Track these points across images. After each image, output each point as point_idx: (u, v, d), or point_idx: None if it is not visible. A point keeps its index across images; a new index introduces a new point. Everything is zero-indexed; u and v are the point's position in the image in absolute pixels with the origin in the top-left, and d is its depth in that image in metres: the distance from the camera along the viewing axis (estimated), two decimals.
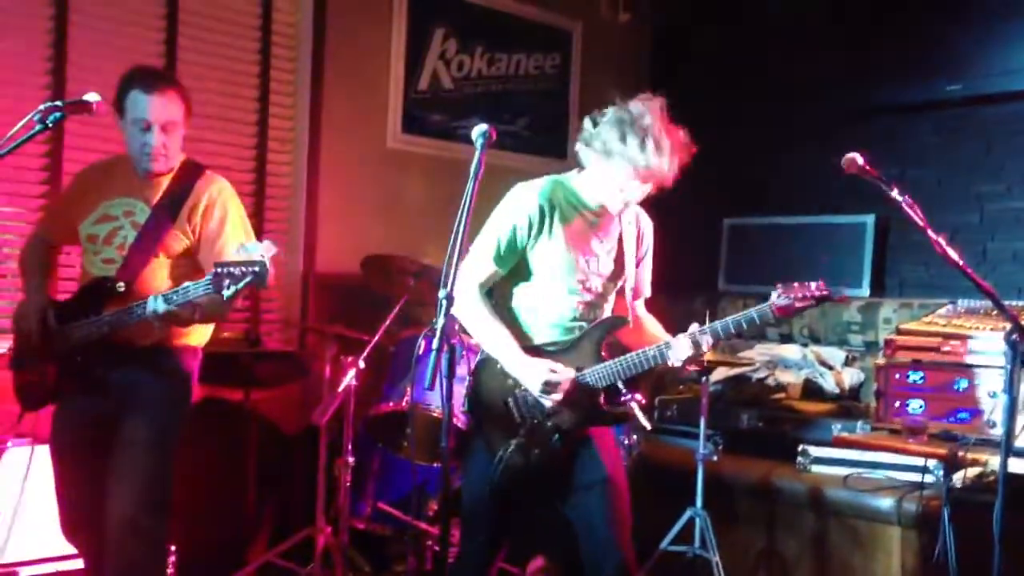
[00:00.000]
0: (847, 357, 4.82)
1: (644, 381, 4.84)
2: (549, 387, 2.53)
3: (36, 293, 2.85)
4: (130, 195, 2.80)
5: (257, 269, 2.43)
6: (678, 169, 2.60)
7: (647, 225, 2.83)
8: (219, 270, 2.44)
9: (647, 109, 2.56)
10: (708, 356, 3.85)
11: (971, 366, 3.89)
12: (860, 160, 2.61)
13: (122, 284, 2.69)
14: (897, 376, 4.08)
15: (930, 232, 2.57)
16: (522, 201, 2.63)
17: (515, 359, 2.57)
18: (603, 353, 2.61)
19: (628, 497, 2.63)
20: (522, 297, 2.67)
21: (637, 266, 2.79)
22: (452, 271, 2.20)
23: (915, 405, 4.03)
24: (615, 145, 2.54)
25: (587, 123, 2.62)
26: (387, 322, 3.63)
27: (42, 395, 2.79)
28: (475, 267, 2.64)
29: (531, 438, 2.56)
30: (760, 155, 5.41)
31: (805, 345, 4.97)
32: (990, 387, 3.82)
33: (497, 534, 2.71)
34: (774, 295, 2.53)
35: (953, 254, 2.59)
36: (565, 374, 2.54)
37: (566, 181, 2.71)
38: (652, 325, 2.82)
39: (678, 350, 2.53)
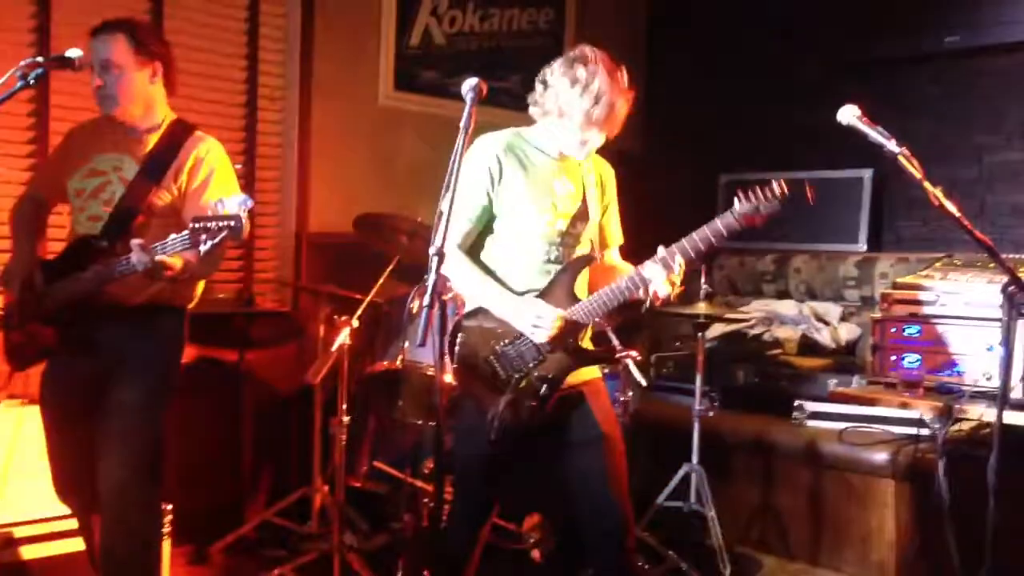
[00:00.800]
0: (843, 312, 4.82)
1: (639, 336, 4.85)
2: (540, 322, 2.50)
3: (23, 253, 2.83)
4: (119, 151, 2.77)
5: (232, 223, 2.41)
6: (627, 110, 2.60)
7: (607, 173, 2.80)
8: (195, 225, 2.43)
9: (592, 62, 2.55)
10: (704, 310, 3.85)
11: (968, 319, 3.88)
12: (856, 112, 2.57)
13: (105, 241, 2.65)
14: (893, 330, 4.07)
15: (927, 184, 2.53)
16: (481, 153, 2.63)
17: (506, 302, 2.56)
18: (576, 293, 2.58)
19: (624, 453, 2.62)
20: (493, 249, 2.66)
21: (603, 215, 2.76)
22: (443, 227, 2.18)
23: (911, 359, 4.02)
24: (568, 106, 2.55)
25: (537, 86, 2.64)
26: (381, 281, 3.61)
27: (30, 355, 2.77)
28: (450, 228, 2.64)
29: (519, 393, 2.54)
30: (757, 109, 5.36)
31: (801, 301, 4.96)
32: (986, 341, 3.81)
33: (489, 494, 2.71)
34: (737, 203, 2.49)
35: (950, 206, 2.56)
36: (553, 311, 2.52)
37: (526, 131, 2.71)
38: (628, 268, 2.75)
39: (650, 274, 2.49)
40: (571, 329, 2.55)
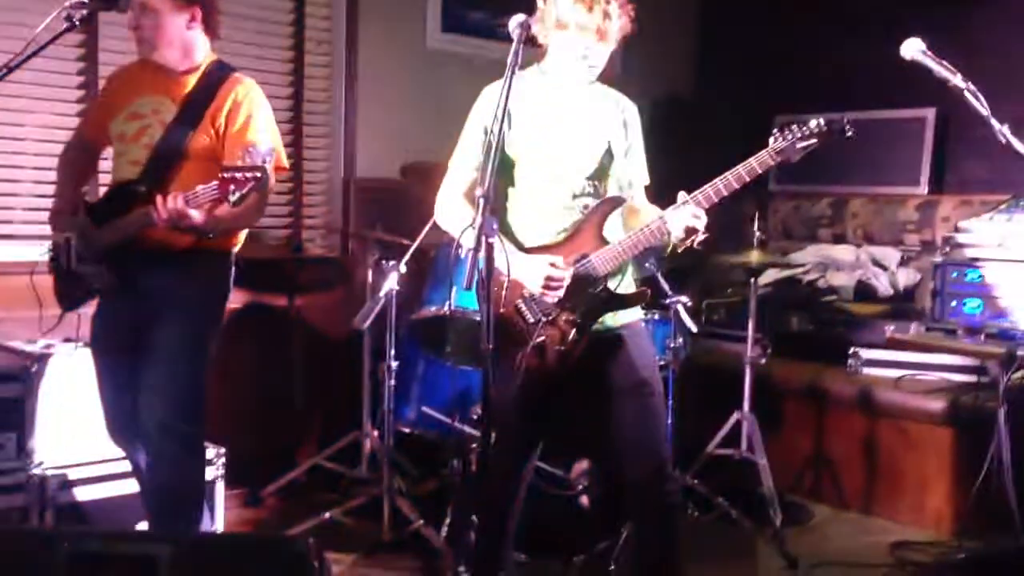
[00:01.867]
0: (902, 257, 4.70)
1: (690, 282, 4.78)
2: (550, 282, 2.46)
3: (66, 196, 2.86)
4: (159, 93, 2.75)
5: (259, 175, 2.41)
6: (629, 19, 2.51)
7: (630, 110, 2.69)
8: (224, 175, 2.42)
9: None
10: (757, 258, 3.77)
11: None
12: (921, 45, 2.46)
13: (144, 186, 2.65)
14: (954, 275, 3.96)
15: (993, 121, 2.43)
16: (485, 98, 2.59)
17: (512, 258, 2.49)
18: (604, 236, 2.52)
19: (661, 397, 2.59)
20: (515, 200, 2.61)
21: (626, 155, 2.67)
22: (489, 171, 2.14)
23: (972, 304, 3.91)
24: (566, 14, 2.48)
25: (538, 1, 2.56)
26: (428, 226, 3.57)
27: (79, 296, 2.80)
28: (452, 176, 2.63)
29: (547, 337, 2.50)
30: (812, 46, 5.19)
31: (859, 245, 4.84)
32: None
33: (526, 439, 2.67)
34: (772, 139, 2.40)
35: (1017, 144, 2.45)
36: (564, 268, 2.47)
37: (532, 70, 2.64)
38: (651, 212, 2.64)
39: (678, 216, 2.42)
40: (591, 279, 2.50)
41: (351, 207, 4.49)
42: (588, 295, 2.50)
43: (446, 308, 3.29)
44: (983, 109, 2.45)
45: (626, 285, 2.61)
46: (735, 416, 3.80)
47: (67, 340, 3.18)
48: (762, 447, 3.73)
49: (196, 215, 2.47)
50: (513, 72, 2.22)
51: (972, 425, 3.58)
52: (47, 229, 2.88)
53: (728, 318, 4.58)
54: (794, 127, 2.39)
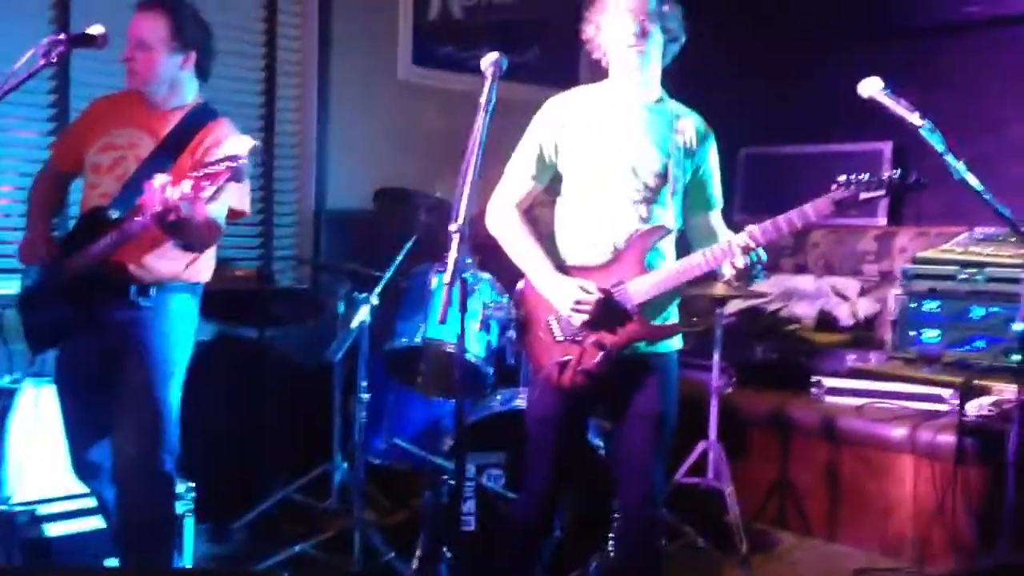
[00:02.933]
0: (862, 287, 4.80)
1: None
2: (579, 306, 2.46)
3: (36, 230, 2.83)
4: (138, 127, 2.76)
5: (232, 164, 2.35)
6: None
7: (701, 129, 2.65)
8: (196, 172, 2.38)
9: None
10: (722, 288, 3.84)
11: (988, 294, 3.86)
12: (879, 84, 2.55)
13: (116, 212, 2.64)
14: (913, 305, 4.05)
15: (949, 158, 2.51)
16: (545, 111, 2.60)
17: (544, 277, 2.51)
18: (645, 265, 2.50)
19: (672, 433, 2.62)
20: (565, 214, 2.61)
21: (694, 174, 2.62)
22: (463, 205, 2.17)
23: (930, 334, 4.01)
24: (596, 8, 2.56)
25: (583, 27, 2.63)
26: (400, 257, 3.61)
27: (49, 336, 2.78)
28: (507, 185, 2.63)
29: (575, 358, 2.51)
30: (776, 82, 5.31)
31: (820, 276, 4.94)
32: (1007, 315, 3.79)
33: (559, 461, 2.66)
34: (834, 188, 2.39)
35: (972, 180, 2.54)
36: (595, 293, 2.46)
37: (595, 85, 2.65)
38: (729, 235, 2.56)
39: (727, 253, 2.41)
40: (623, 308, 2.49)
41: (321, 238, 4.51)
42: (617, 323, 2.49)
43: (419, 339, 3.31)
44: (940, 146, 2.53)
45: (670, 316, 2.60)
46: (701, 445, 3.85)
47: (35, 375, 3.16)
48: (728, 475, 3.78)
49: (184, 205, 2.42)
50: (487, 112, 2.26)
51: (932, 452, 3.66)
52: (15, 263, 2.87)
53: (694, 347, 4.63)
54: (857, 177, 2.39)
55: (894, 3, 4.90)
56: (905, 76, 4.42)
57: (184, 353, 2.81)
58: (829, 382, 4.10)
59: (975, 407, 3.59)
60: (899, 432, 3.75)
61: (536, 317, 2.57)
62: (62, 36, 2.36)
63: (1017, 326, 3.61)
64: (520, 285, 2.66)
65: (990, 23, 4.62)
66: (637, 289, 2.49)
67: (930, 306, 4.00)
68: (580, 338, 2.51)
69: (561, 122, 2.57)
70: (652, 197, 2.55)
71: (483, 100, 2.27)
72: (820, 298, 4.74)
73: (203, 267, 2.84)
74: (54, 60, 2.33)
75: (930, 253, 4.17)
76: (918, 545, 3.71)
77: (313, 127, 4.52)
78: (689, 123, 2.64)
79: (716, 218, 2.69)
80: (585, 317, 2.47)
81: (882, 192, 2.38)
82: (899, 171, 2.38)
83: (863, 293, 4.78)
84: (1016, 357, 3.36)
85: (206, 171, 2.36)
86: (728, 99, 5.46)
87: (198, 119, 2.78)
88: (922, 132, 2.51)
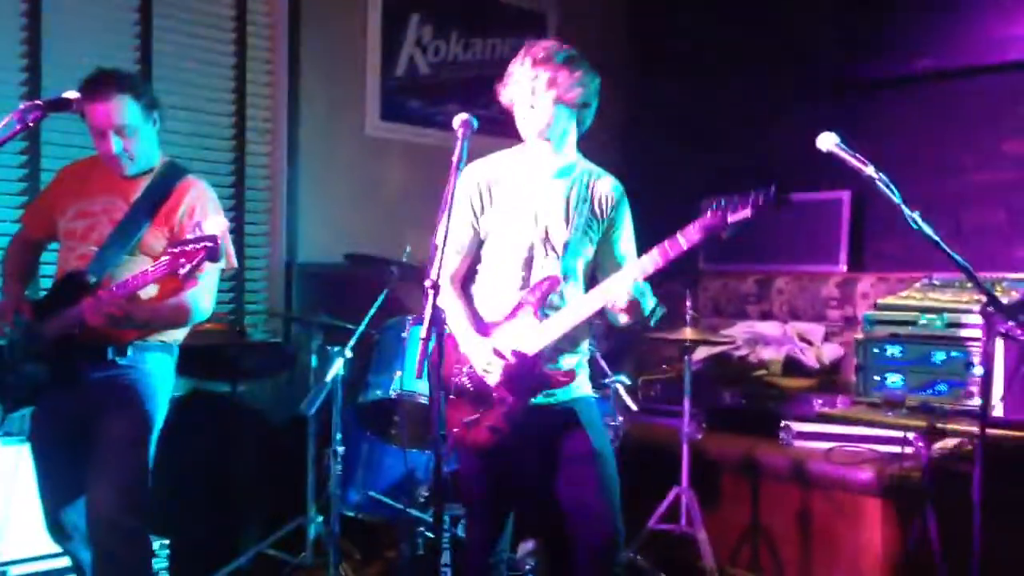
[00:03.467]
0: (826, 332, 4.89)
1: (626, 361, 4.90)
2: (489, 367, 2.56)
3: (11, 294, 2.86)
4: (110, 193, 2.80)
5: (210, 244, 2.43)
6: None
7: (613, 191, 2.72)
8: (173, 249, 2.45)
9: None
10: (690, 336, 3.90)
11: (949, 339, 3.96)
12: (835, 139, 2.63)
13: (93, 277, 2.67)
14: (876, 350, 4.14)
15: (905, 208, 2.60)
16: (463, 182, 2.66)
17: (465, 338, 2.62)
18: (540, 316, 2.58)
19: (615, 470, 2.65)
20: (481, 274, 2.72)
21: (611, 231, 2.71)
22: (439, 260, 2.22)
23: (894, 379, 4.09)
24: (505, 81, 2.68)
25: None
26: (372, 311, 3.64)
27: (23, 396, 2.78)
28: (441, 262, 2.69)
29: (487, 412, 2.57)
30: (734, 133, 5.44)
31: (785, 321, 5.03)
32: (967, 360, 3.89)
33: (491, 515, 2.71)
34: (704, 214, 2.43)
35: (928, 230, 2.63)
36: (504, 353, 2.54)
37: (510, 151, 2.74)
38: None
39: (613, 287, 2.48)
40: (528, 360, 2.56)
41: (293, 291, 4.54)
42: (525, 376, 2.56)
43: (392, 392, 3.34)
44: (895, 197, 2.62)
45: (575, 364, 2.66)
46: (674, 491, 3.89)
47: (6, 434, 3.14)
48: (701, 521, 3.82)
49: (137, 310, 2.49)
50: (458, 171, 2.32)
51: (899, 494, 3.72)
52: None
53: (664, 394, 4.69)
54: (723, 200, 2.41)
55: (847, 57, 5.06)
56: (860, 126, 4.59)
57: (161, 411, 2.83)
58: (797, 426, 4.15)
59: (939, 449, 3.67)
60: (866, 475, 3.81)
61: (448, 374, 2.62)
62: (38, 102, 2.39)
63: (977, 370, 3.71)
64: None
65: (940, 75, 4.78)
66: (532, 339, 2.56)
67: (892, 351, 4.09)
68: (484, 396, 2.58)
69: (478, 190, 2.66)
70: (559, 258, 2.64)
71: (455, 159, 2.33)
72: (786, 344, 4.82)
73: (182, 327, 2.86)
74: (30, 125, 2.36)
75: (890, 299, 4.26)
76: None
77: (283, 182, 4.56)
78: (601, 185, 2.72)
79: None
80: (496, 378, 2.56)
81: (748, 212, 2.37)
82: (763, 190, 2.38)
83: (827, 338, 4.87)
84: (976, 400, 3.45)
85: (184, 249, 2.42)
86: (684, 150, 5.61)
87: (169, 179, 2.83)
88: (878, 184, 2.59)
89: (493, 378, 2.56)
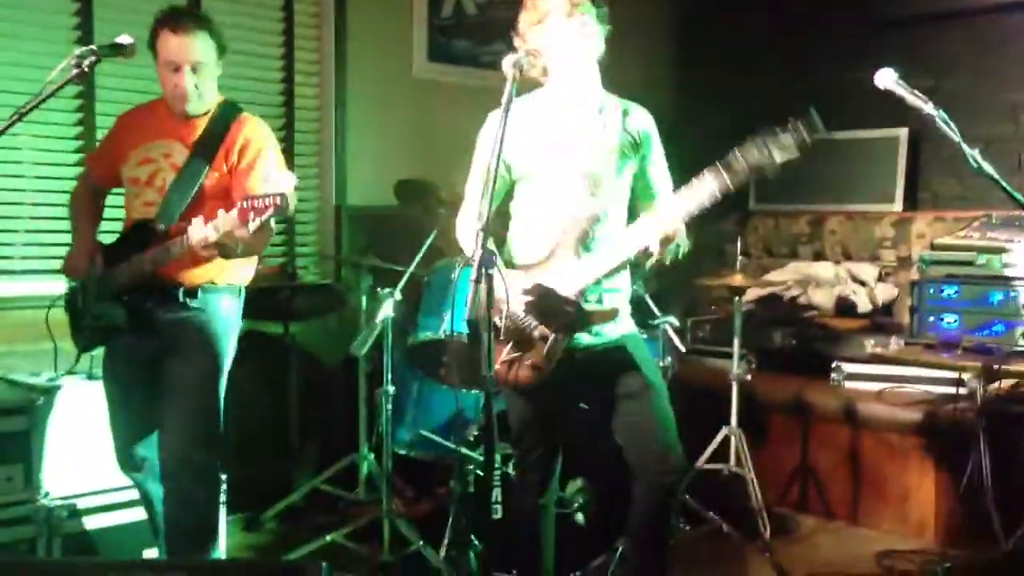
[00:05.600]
0: (880, 273, 4.82)
1: (675, 302, 4.88)
2: (524, 297, 2.52)
3: (84, 237, 2.93)
4: (168, 137, 2.84)
5: (279, 202, 2.48)
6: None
7: (644, 122, 2.68)
8: (243, 204, 2.50)
9: None
10: (739, 281, 3.86)
11: (1006, 279, 3.89)
12: (894, 75, 2.57)
13: (162, 225, 2.74)
14: (931, 290, 4.08)
15: (965, 147, 2.54)
16: (488, 126, 2.64)
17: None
18: (581, 252, 2.56)
19: (669, 403, 2.64)
20: (514, 215, 2.70)
21: (643, 165, 2.67)
22: (486, 203, 2.21)
23: (949, 319, 4.04)
24: (526, 19, 2.62)
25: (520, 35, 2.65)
26: (421, 253, 3.67)
27: (96, 336, 2.88)
28: (467, 203, 2.70)
29: (522, 354, 2.55)
30: (789, 69, 5.33)
31: (837, 262, 4.97)
32: None
33: (541, 454, 2.73)
34: (743, 150, 2.38)
35: (988, 168, 2.56)
36: (533, 284, 2.52)
37: (536, 92, 2.69)
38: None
39: (643, 231, 2.45)
40: (562, 298, 2.53)
41: (343, 234, 4.58)
42: (561, 312, 2.53)
43: (442, 333, 3.37)
44: (954, 135, 2.56)
45: (613, 301, 2.64)
46: (723, 432, 3.90)
47: (71, 372, 3.24)
48: (750, 461, 3.83)
49: (227, 240, 2.54)
50: (507, 112, 2.30)
51: (951, 435, 3.69)
52: (50, 264, 2.95)
53: (713, 335, 4.68)
54: (765, 137, 2.36)
55: None
56: (917, 63, 4.46)
57: (230, 352, 2.90)
58: (848, 367, 4.13)
59: (995, 390, 3.62)
60: (918, 416, 3.79)
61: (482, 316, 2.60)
62: (93, 47, 2.42)
63: None
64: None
65: (1001, 8, 4.62)
66: (572, 277, 2.54)
67: (948, 291, 4.03)
68: (525, 334, 2.56)
69: (507, 132, 2.60)
70: (595, 194, 2.60)
71: (504, 100, 2.31)
72: (838, 285, 4.76)
73: (246, 268, 2.92)
74: (86, 70, 2.39)
75: (947, 239, 4.19)
76: (940, 528, 3.75)
77: (332, 125, 4.58)
78: (634, 118, 2.68)
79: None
80: (526, 307, 2.52)
81: (795, 153, 2.34)
82: (795, 125, 2.35)
83: (881, 279, 4.80)
84: None
85: (253, 204, 2.47)
86: (741, 89, 5.50)
87: (224, 119, 2.86)
88: (937, 122, 2.53)
89: (526, 310, 2.53)
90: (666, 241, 2.45)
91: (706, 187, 2.40)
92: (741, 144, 2.41)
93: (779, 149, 2.37)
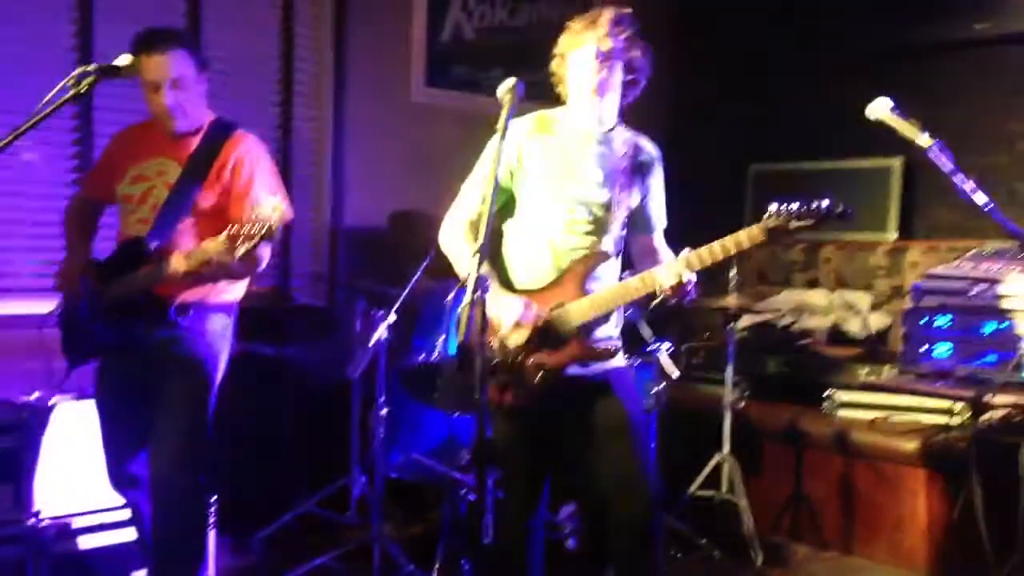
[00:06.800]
0: (874, 302, 4.83)
1: (670, 328, 4.89)
2: (520, 324, 2.53)
3: (77, 252, 2.94)
4: (163, 155, 2.85)
5: (266, 230, 2.50)
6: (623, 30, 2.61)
7: (651, 155, 2.72)
8: (231, 230, 2.51)
9: (578, 20, 2.67)
10: (734, 302, 3.89)
11: (1000, 310, 3.90)
12: (889, 105, 2.58)
13: (155, 242, 2.74)
14: (924, 320, 4.09)
15: (959, 178, 2.54)
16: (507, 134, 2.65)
17: (493, 291, 2.56)
18: (585, 287, 2.57)
19: (649, 437, 2.65)
20: (512, 234, 2.68)
21: (644, 198, 2.71)
22: (486, 228, 2.19)
23: (942, 349, 4.04)
24: (560, 43, 2.66)
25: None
26: (416, 276, 3.67)
27: (86, 352, 2.88)
28: (460, 203, 2.69)
29: (515, 379, 2.56)
30: (786, 99, 5.37)
31: (831, 290, 4.98)
32: (1018, 331, 3.83)
33: (527, 481, 2.70)
34: (767, 216, 2.41)
35: (981, 198, 2.57)
36: (535, 312, 2.53)
37: (552, 111, 2.71)
38: (669, 255, 2.66)
39: (662, 276, 2.47)
40: (563, 329, 2.55)
41: (338, 256, 4.58)
42: (557, 342, 2.55)
43: (435, 356, 3.37)
44: (948, 166, 2.57)
45: (608, 336, 2.65)
46: (716, 458, 3.90)
47: (64, 391, 3.23)
48: (742, 488, 3.82)
49: (212, 265, 2.57)
50: (503, 139, 2.30)
51: (944, 465, 3.69)
52: (48, 283, 2.95)
53: (707, 361, 4.68)
54: (791, 206, 2.40)
55: (903, 21, 4.94)
56: (913, 92, 4.48)
57: (220, 371, 2.90)
58: (842, 396, 4.13)
59: (986, 420, 3.63)
60: (911, 445, 3.78)
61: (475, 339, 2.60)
62: (90, 67, 2.43)
63: None
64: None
65: (998, 40, 4.66)
66: (577, 311, 2.55)
67: (941, 321, 4.04)
68: (520, 359, 2.57)
69: (515, 147, 2.62)
70: (597, 225, 2.63)
71: (500, 126, 2.31)
72: (832, 313, 4.77)
73: (238, 287, 2.93)
74: (83, 90, 2.40)
75: (941, 269, 4.20)
76: (932, 557, 3.73)
77: (329, 147, 4.60)
78: (639, 150, 2.71)
79: (658, 239, 2.78)
80: (524, 335, 2.53)
81: (811, 222, 2.39)
82: (828, 202, 2.39)
83: (875, 307, 4.82)
84: None
85: (240, 231, 2.48)
86: (738, 116, 5.54)
87: (217, 137, 2.88)
88: (931, 154, 2.54)
89: (520, 336, 2.54)
90: (677, 289, 2.48)
91: (723, 245, 2.44)
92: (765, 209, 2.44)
93: (798, 220, 2.40)
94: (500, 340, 2.58)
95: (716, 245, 2.46)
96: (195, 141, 2.86)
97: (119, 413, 2.90)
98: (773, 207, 2.41)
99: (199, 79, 2.84)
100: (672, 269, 2.48)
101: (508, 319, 2.54)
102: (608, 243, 2.66)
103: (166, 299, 2.76)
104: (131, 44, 2.78)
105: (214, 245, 2.54)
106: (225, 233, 2.52)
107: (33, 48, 3.75)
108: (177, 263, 2.60)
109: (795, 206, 2.39)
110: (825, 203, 2.39)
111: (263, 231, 2.49)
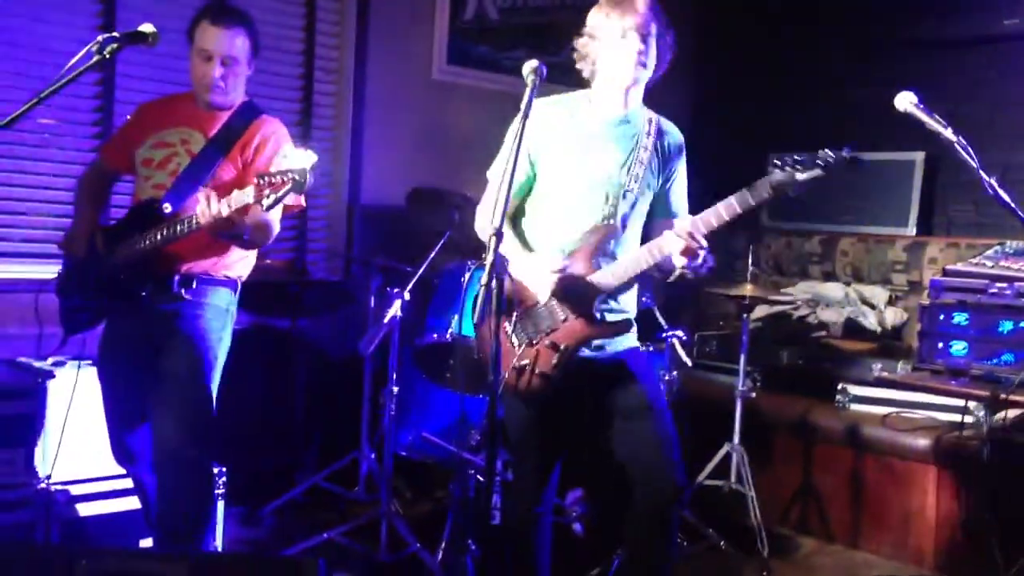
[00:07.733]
0: (890, 296, 4.80)
1: (683, 315, 4.88)
2: (543, 276, 2.51)
3: (84, 218, 2.93)
4: (189, 125, 2.85)
5: (296, 177, 2.45)
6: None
7: (675, 141, 2.70)
8: (259, 180, 2.48)
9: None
10: (749, 291, 3.87)
11: (1017, 308, 3.86)
12: (913, 98, 2.55)
13: (168, 205, 2.72)
14: (941, 317, 4.06)
15: (983, 174, 2.52)
16: (533, 114, 2.62)
17: (521, 261, 2.58)
18: (594, 260, 2.56)
19: (670, 422, 2.62)
20: (532, 212, 2.67)
21: (664, 184, 2.69)
22: (503, 207, 2.19)
23: (958, 346, 4.02)
24: (592, 24, 2.61)
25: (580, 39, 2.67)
26: (432, 254, 3.67)
27: (85, 320, 2.87)
28: (490, 192, 2.67)
29: (531, 361, 2.54)
30: (808, 90, 5.33)
31: (848, 283, 4.95)
32: None
33: (539, 463, 2.70)
34: (770, 171, 2.38)
35: (1005, 196, 2.55)
36: (560, 264, 2.52)
37: (576, 93, 2.69)
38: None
39: (669, 245, 2.45)
40: (582, 291, 2.52)
41: (354, 232, 4.58)
42: (578, 302, 2.52)
43: (449, 336, 3.37)
44: (972, 161, 2.54)
45: (622, 314, 2.63)
46: (725, 448, 3.88)
47: (75, 357, 3.23)
48: (751, 479, 3.81)
49: (238, 216, 2.54)
50: (526, 119, 2.29)
51: (955, 463, 3.68)
52: (52, 248, 2.95)
53: (720, 351, 4.67)
54: (794, 158, 2.36)
55: (930, 15, 4.89)
56: (938, 87, 4.44)
57: (224, 345, 2.88)
58: (854, 390, 4.11)
59: (1000, 420, 3.61)
60: (923, 442, 3.77)
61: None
62: (115, 34, 2.43)
63: None
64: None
65: (1021, 35, 4.61)
66: (596, 277, 2.53)
67: (959, 319, 4.01)
68: (535, 342, 2.56)
69: (539, 128, 2.59)
70: (617, 207, 2.61)
71: (523, 106, 2.30)
72: (848, 306, 4.75)
73: (244, 263, 2.92)
74: (107, 57, 2.40)
75: (960, 266, 4.16)
76: (939, 555, 3.72)
77: (348, 123, 4.59)
78: (663, 134, 2.68)
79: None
80: (549, 287, 2.50)
81: (818, 171, 2.35)
82: (831, 151, 2.36)
83: (891, 302, 4.78)
84: None
85: (270, 180, 2.45)
86: (759, 107, 5.50)
87: (245, 117, 2.88)
88: (956, 147, 2.51)
89: (544, 294, 2.52)
90: (688, 253, 2.45)
91: (728, 204, 2.41)
92: (768, 164, 2.42)
93: (803, 169, 2.37)
94: (516, 325, 2.57)
95: (720, 205, 2.42)
96: (224, 117, 2.86)
97: (121, 384, 2.88)
98: (777, 162, 2.37)
99: (249, 64, 2.87)
100: (682, 228, 2.42)
101: (533, 272, 2.53)
102: (617, 219, 2.62)
103: (171, 269, 2.75)
104: (200, 10, 2.83)
105: (241, 195, 2.50)
106: (254, 182, 2.48)
107: (57, 15, 3.74)
108: (203, 207, 2.52)
109: (799, 157, 2.35)
110: (829, 152, 2.35)
111: (294, 179, 2.45)
